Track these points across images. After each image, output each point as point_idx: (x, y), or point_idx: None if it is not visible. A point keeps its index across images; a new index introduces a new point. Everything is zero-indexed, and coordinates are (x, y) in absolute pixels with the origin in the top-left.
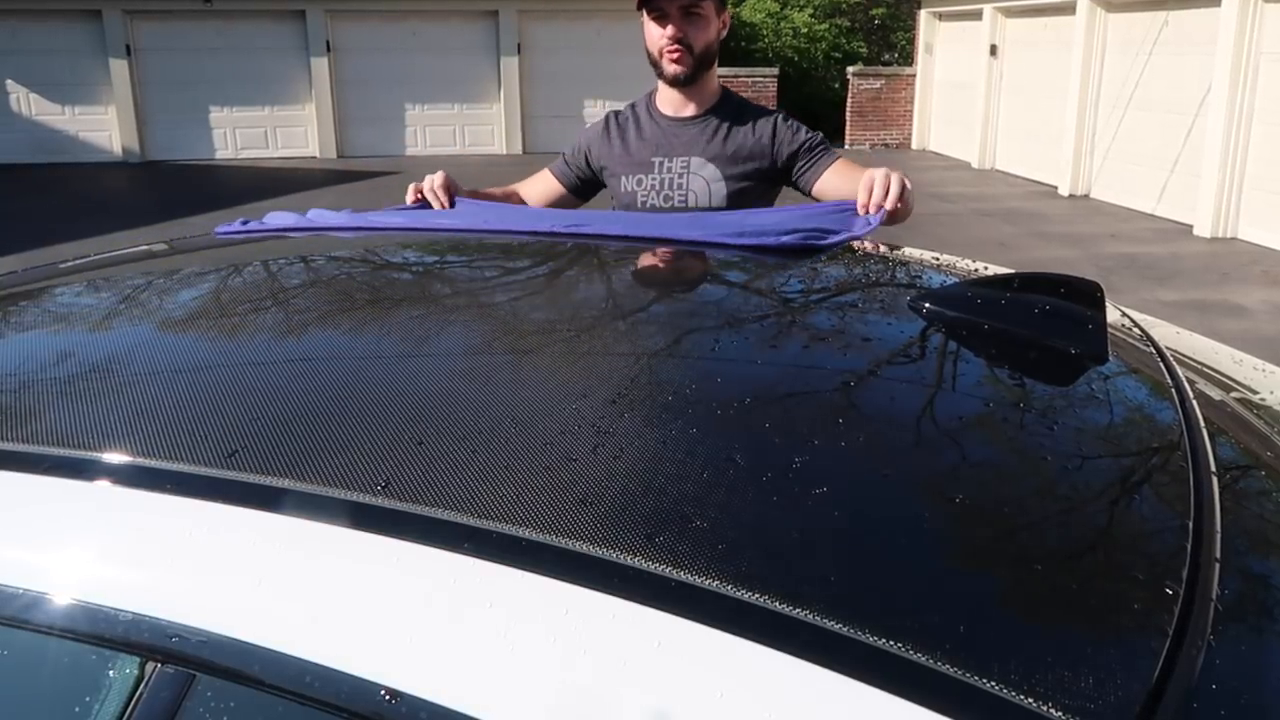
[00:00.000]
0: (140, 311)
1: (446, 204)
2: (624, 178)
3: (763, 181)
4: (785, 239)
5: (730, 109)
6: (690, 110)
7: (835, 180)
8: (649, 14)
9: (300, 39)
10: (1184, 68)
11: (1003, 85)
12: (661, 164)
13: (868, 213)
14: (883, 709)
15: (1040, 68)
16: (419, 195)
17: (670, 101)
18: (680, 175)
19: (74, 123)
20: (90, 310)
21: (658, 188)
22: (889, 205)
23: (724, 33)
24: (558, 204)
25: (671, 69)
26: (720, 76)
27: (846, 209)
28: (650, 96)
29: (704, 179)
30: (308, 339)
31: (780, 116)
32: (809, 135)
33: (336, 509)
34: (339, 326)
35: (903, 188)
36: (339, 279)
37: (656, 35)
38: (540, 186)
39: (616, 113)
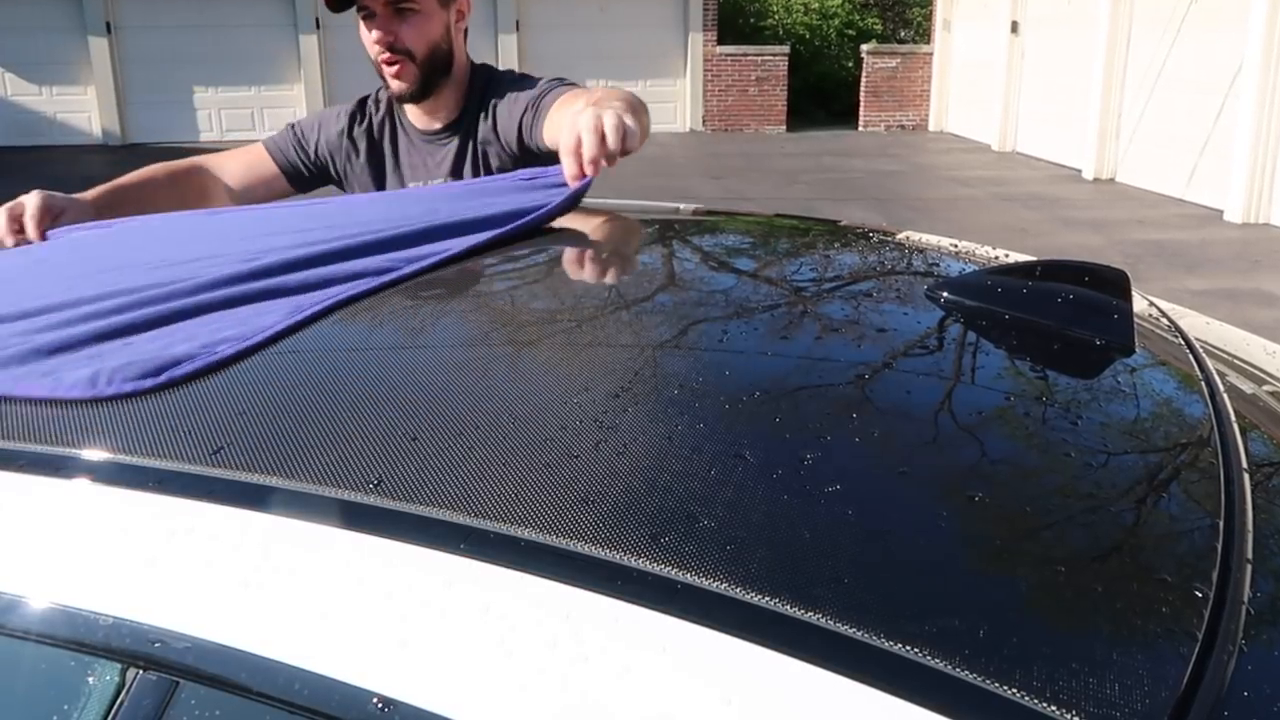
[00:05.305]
0: None
1: (38, 238)
2: None
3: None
4: (450, 245)
5: (476, 109)
6: (437, 124)
7: (557, 126)
8: (358, 14)
9: (288, 15)
10: (1214, 45)
11: (1024, 64)
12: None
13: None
14: (899, 716)
15: (1064, 46)
16: (15, 228)
17: (415, 114)
18: None
19: (52, 103)
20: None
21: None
22: (590, 170)
23: (463, 23)
24: (265, 189)
25: (394, 85)
26: (729, 55)
27: (556, 183)
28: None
29: None
30: (295, 330)
31: (500, 99)
32: (527, 98)
33: (326, 508)
34: (328, 317)
35: (612, 131)
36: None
37: (368, 42)
38: (244, 165)
39: (360, 104)
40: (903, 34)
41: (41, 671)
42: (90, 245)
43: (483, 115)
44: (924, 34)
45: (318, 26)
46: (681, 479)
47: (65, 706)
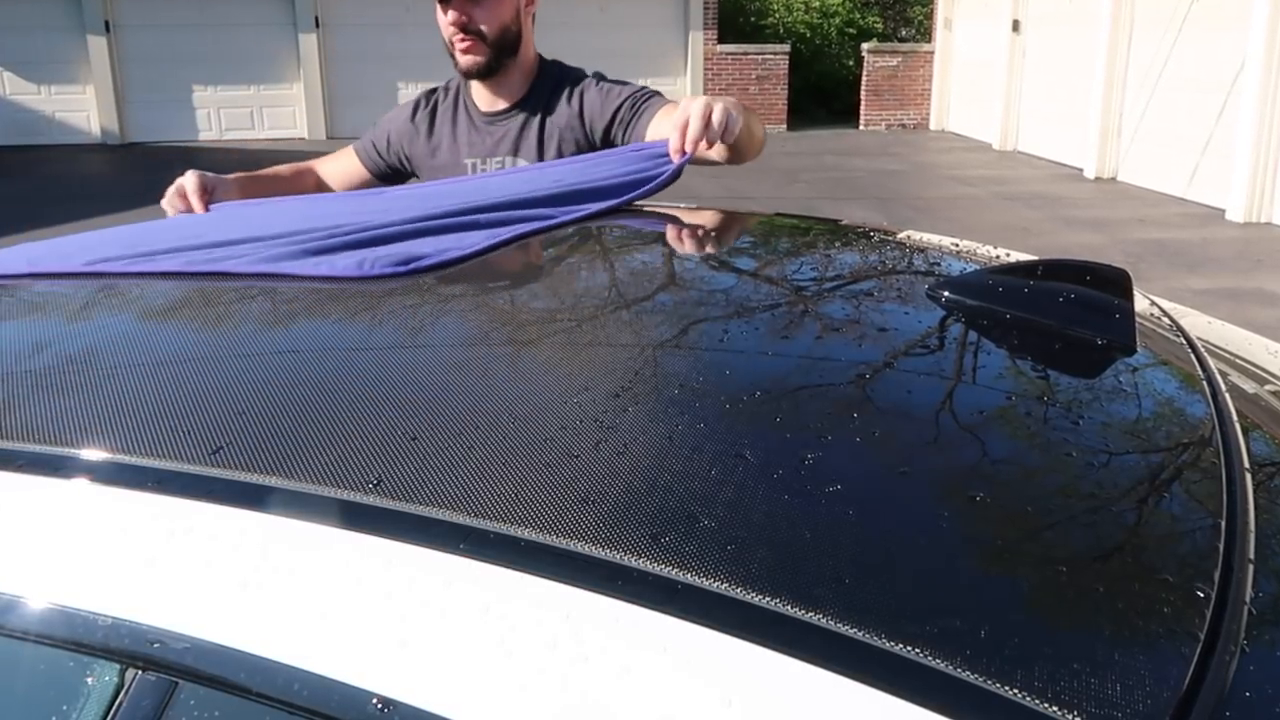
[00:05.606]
0: (120, 301)
1: (202, 210)
2: None
3: None
4: (590, 207)
5: (545, 93)
6: (502, 104)
7: (662, 130)
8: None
9: (288, 14)
10: (1216, 44)
11: (1026, 63)
12: (475, 166)
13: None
14: (899, 716)
15: (1065, 44)
16: (181, 203)
17: (480, 94)
18: None
19: (50, 102)
20: (65, 301)
21: None
22: (689, 147)
23: (533, 8)
24: (359, 188)
25: (463, 61)
26: (729, 54)
27: (660, 152)
28: (464, 83)
29: None
30: (295, 330)
31: (591, 85)
32: (625, 94)
33: (326, 508)
34: (327, 317)
35: (717, 120)
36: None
37: (443, 23)
38: (340, 167)
39: (429, 93)
40: (903, 33)
41: (40, 672)
42: (272, 209)
43: (565, 100)
44: (925, 33)
45: (317, 25)
46: (682, 479)
47: (64, 707)
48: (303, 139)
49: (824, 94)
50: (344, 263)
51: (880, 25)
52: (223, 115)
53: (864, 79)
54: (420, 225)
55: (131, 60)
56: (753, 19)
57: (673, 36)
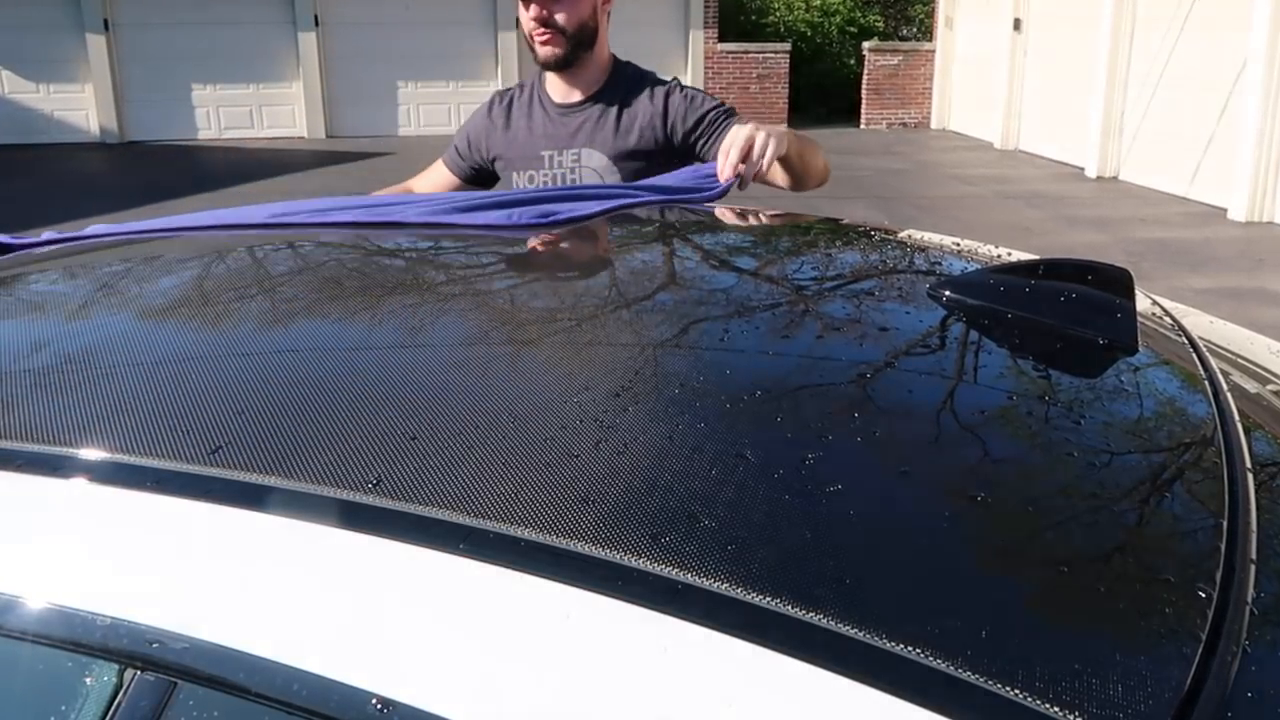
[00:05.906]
0: (119, 300)
1: None
2: (516, 174)
3: (659, 163)
4: (626, 200)
5: (621, 89)
6: (577, 96)
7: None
8: None
9: (287, 13)
10: (1218, 42)
11: (1027, 61)
12: (552, 158)
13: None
14: (899, 716)
15: (1067, 43)
16: None
17: (556, 87)
18: (572, 169)
19: (49, 101)
20: (67, 298)
21: (550, 184)
22: (729, 172)
23: (609, 5)
24: None
25: (542, 52)
26: (730, 53)
27: (711, 172)
28: (540, 78)
29: (595, 171)
30: (295, 330)
31: (676, 89)
32: (709, 106)
33: (325, 508)
34: (328, 316)
35: (755, 151)
36: (326, 266)
37: (524, 18)
38: (431, 179)
39: (504, 92)
40: (904, 31)
41: (39, 672)
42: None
43: (647, 98)
44: (926, 31)
45: (316, 24)
46: (682, 478)
47: (63, 707)
48: (302, 138)
49: (825, 93)
50: (495, 215)
51: (881, 24)
52: (222, 114)
53: (865, 78)
54: (544, 194)
55: (130, 59)
56: (753, 18)
57: (673, 35)
